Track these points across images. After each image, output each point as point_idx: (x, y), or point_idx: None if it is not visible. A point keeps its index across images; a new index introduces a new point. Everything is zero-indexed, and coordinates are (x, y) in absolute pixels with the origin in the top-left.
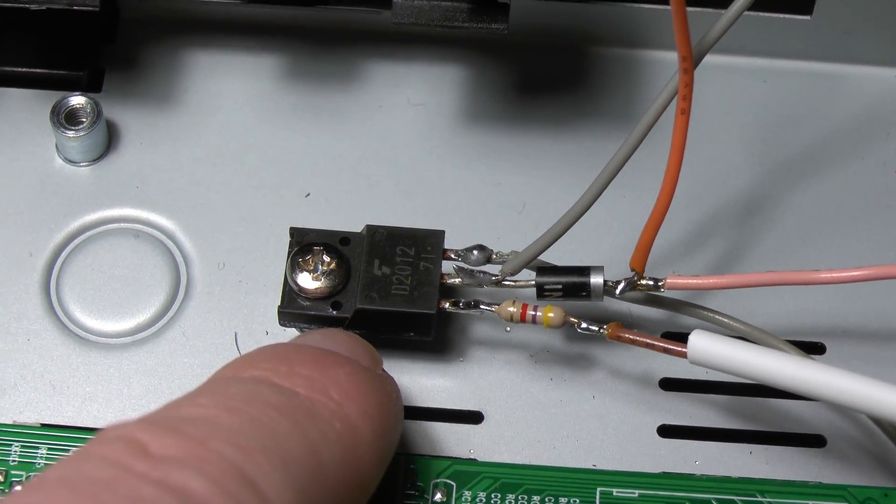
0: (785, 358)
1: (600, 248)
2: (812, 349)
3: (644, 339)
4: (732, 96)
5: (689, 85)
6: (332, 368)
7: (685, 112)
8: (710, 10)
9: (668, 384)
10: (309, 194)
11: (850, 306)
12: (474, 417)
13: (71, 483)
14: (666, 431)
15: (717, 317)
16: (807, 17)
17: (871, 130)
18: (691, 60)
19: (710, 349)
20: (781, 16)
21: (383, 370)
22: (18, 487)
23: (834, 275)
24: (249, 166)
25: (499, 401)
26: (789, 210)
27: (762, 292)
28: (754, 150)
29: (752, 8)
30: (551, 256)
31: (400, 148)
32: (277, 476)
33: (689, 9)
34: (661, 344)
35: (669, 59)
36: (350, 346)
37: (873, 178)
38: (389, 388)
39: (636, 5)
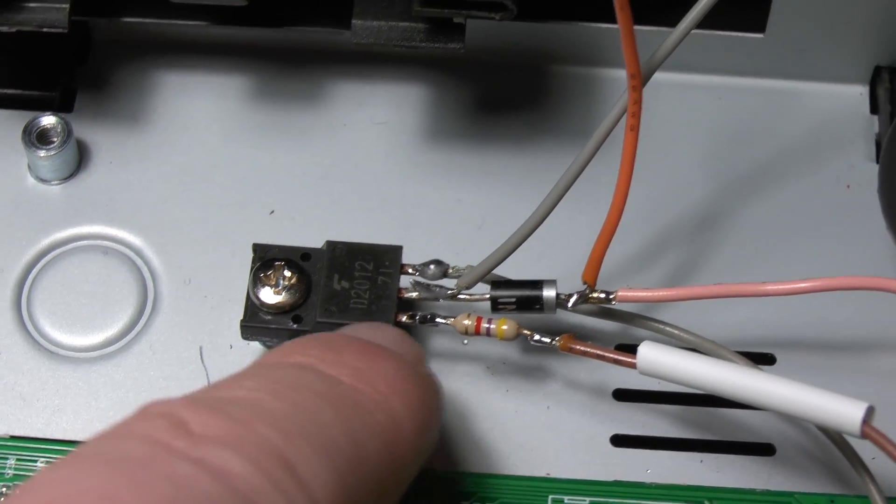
0: (731, 368)
1: (557, 261)
2: (763, 360)
3: (595, 351)
4: (688, 113)
5: (637, 102)
6: (379, 361)
7: (634, 129)
8: (661, 28)
9: (622, 395)
10: (274, 211)
11: (800, 318)
12: None
13: (107, 458)
14: (619, 441)
15: (667, 328)
16: (760, 35)
17: (825, 146)
18: (640, 78)
19: (658, 360)
20: (735, 34)
21: (427, 368)
22: None
23: (781, 287)
24: (216, 184)
25: (456, 411)
26: (743, 224)
27: (715, 304)
28: (709, 165)
29: (706, 26)
30: (508, 270)
31: (363, 165)
32: (318, 462)
33: (640, 27)
34: (611, 355)
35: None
36: (397, 342)
37: (826, 192)
38: (433, 386)
39: (593, 24)
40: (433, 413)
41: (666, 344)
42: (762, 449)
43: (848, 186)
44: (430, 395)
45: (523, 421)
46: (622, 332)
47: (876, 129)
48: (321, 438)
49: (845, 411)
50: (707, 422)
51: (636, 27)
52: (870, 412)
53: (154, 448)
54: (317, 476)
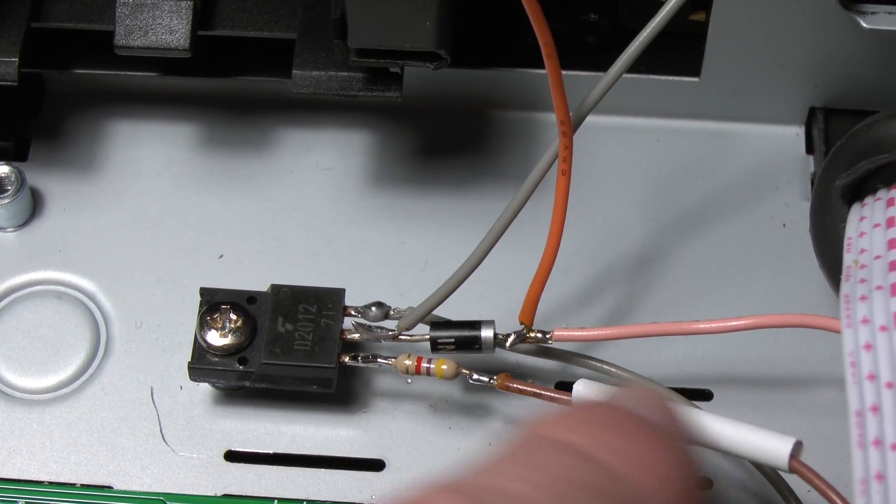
0: None
1: (499, 301)
2: (700, 396)
3: (531, 389)
4: (627, 155)
5: (568, 147)
6: (655, 448)
7: (566, 173)
8: (596, 73)
9: None
10: (223, 255)
11: (736, 354)
12: (376, 465)
13: None
14: None
15: (604, 366)
16: (695, 79)
17: (761, 186)
18: (569, 124)
19: (593, 398)
20: (671, 78)
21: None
22: None
23: (713, 325)
24: (167, 230)
25: (400, 449)
26: (682, 264)
27: (653, 342)
28: (648, 206)
29: (642, 71)
30: (449, 311)
31: (310, 211)
32: None
33: (575, 73)
34: (547, 393)
35: None
36: (663, 412)
37: (762, 231)
38: (697, 466)
39: (529, 70)
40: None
41: (603, 381)
42: (699, 483)
43: (784, 225)
44: (693, 481)
45: (465, 458)
46: (562, 370)
47: (811, 168)
48: None
49: (773, 447)
50: None
51: (571, 73)
52: (797, 447)
53: None
54: None
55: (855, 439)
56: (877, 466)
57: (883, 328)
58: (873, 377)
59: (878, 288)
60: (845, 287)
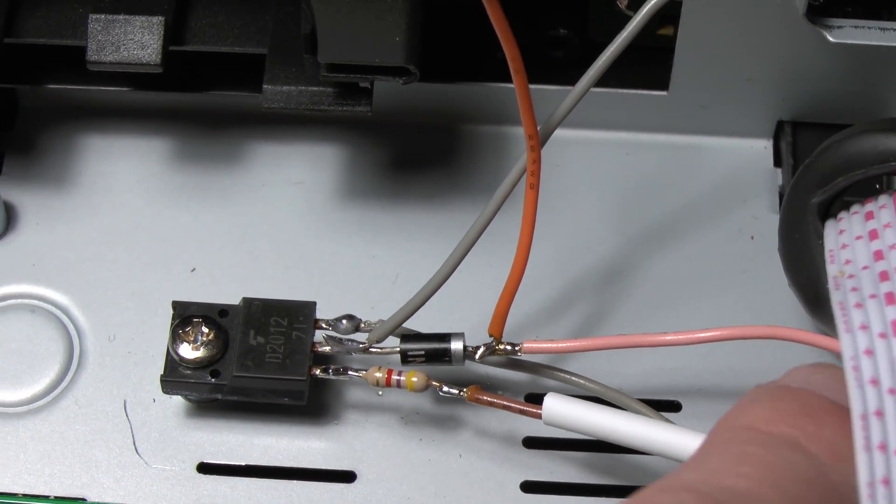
0: (631, 420)
1: (470, 314)
2: (669, 407)
3: (501, 402)
4: (596, 168)
5: (536, 161)
6: (849, 434)
7: (534, 187)
8: (565, 87)
9: (531, 442)
10: (195, 269)
11: (705, 365)
12: (347, 477)
13: None
14: (528, 487)
15: (572, 378)
16: (664, 93)
17: (729, 199)
18: (537, 139)
19: (563, 411)
20: (640, 92)
21: None
22: None
23: (680, 337)
24: (139, 244)
25: (371, 461)
26: (650, 276)
27: (622, 354)
28: (617, 219)
29: (611, 85)
30: (420, 324)
31: (281, 224)
32: None
33: (542, 87)
34: (517, 406)
35: None
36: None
37: (730, 244)
38: None
39: (499, 84)
40: None
41: (573, 393)
42: None
43: (752, 237)
44: None
45: (436, 469)
46: (532, 382)
47: (779, 181)
48: None
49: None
50: (615, 467)
51: (540, 87)
52: None
53: None
54: None
55: (860, 442)
56: (882, 471)
57: (882, 335)
58: (875, 382)
59: (872, 296)
60: (837, 295)
